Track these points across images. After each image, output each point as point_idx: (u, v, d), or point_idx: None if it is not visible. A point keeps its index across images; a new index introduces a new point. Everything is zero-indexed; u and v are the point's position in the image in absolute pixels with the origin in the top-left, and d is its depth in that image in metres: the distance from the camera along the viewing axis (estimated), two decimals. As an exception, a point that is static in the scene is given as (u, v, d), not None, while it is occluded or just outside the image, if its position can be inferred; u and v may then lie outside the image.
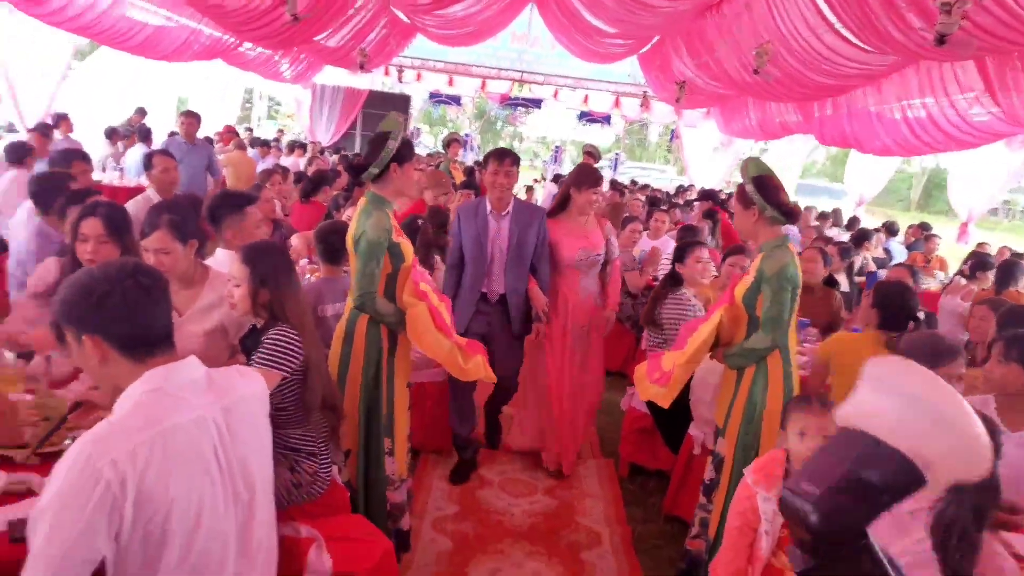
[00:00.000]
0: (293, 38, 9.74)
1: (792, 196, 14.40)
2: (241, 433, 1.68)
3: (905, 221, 13.15)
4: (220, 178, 7.93)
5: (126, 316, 1.57)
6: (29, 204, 3.87)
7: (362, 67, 12.08)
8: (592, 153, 8.94)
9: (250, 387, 1.78)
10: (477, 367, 3.20)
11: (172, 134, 9.88)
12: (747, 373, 3.00)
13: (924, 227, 10.11)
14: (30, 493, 1.81)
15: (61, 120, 8.31)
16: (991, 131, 7.79)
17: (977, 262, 6.06)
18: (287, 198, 6.89)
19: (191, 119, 7.69)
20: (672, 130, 18.03)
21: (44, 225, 3.70)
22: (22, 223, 3.86)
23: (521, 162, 4.11)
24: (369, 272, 2.96)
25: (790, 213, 2.93)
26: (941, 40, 4.32)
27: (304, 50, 12.83)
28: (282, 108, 24.39)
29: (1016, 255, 8.20)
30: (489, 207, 3.97)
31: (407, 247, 3.09)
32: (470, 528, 3.63)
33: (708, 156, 17.00)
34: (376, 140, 3.05)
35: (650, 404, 3.54)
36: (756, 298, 2.96)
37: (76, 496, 1.41)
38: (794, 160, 15.67)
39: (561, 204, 4.22)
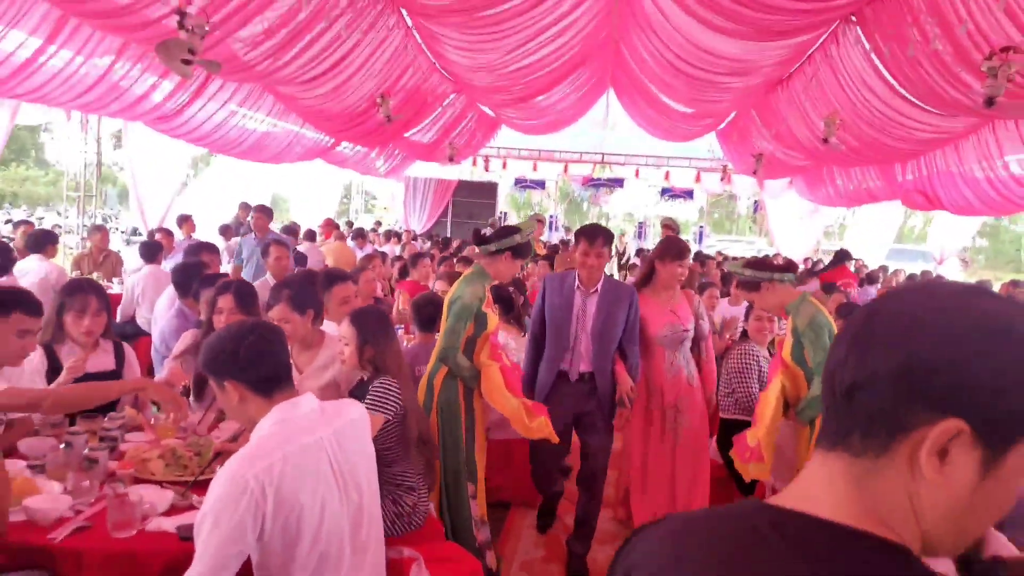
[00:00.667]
0: (386, 136, 10.62)
1: (884, 260, 14.23)
2: (349, 448, 2.07)
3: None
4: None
5: (254, 362, 2.01)
6: (171, 290, 4.52)
7: (451, 159, 12.87)
8: (671, 226, 9.27)
9: (353, 413, 2.18)
10: (541, 426, 3.42)
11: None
12: (818, 421, 3.23)
13: (1015, 283, 9.86)
14: (190, 508, 2.24)
15: (185, 221, 9.27)
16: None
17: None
18: (387, 279, 7.49)
19: (261, 214, 7.70)
20: (755, 202, 18.15)
21: (183, 307, 4.31)
22: (164, 307, 4.50)
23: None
24: (456, 330, 3.38)
25: (786, 268, 3.36)
26: (990, 102, 4.52)
27: (397, 146, 13.80)
28: (377, 201, 25.85)
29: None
30: (577, 282, 3.82)
31: (492, 318, 3.53)
32: (556, 570, 3.82)
33: (795, 225, 17.01)
34: (507, 229, 3.64)
35: (725, 458, 3.80)
36: (802, 352, 3.23)
37: (229, 503, 1.82)
38: (884, 225, 15.49)
39: (646, 278, 4.12)
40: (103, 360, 3.21)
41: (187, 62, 4.53)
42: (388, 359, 2.80)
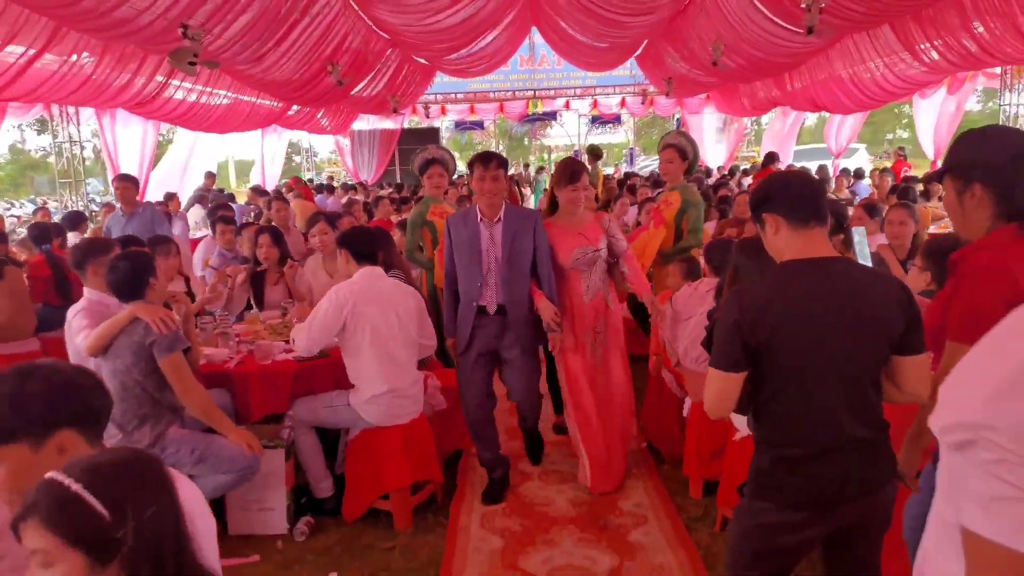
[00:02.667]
0: (336, 97, 11.77)
1: (792, 161, 15.91)
2: (402, 303, 3.56)
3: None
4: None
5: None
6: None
7: (395, 111, 14.00)
8: (593, 152, 10.73)
9: (410, 296, 3.68)
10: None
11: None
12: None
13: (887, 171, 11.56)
14: (291, 351, 3.72)
15: (171, 199, 10.34)
16: (917, 82, 9.38)
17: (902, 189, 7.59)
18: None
19: (125, 183, 6.59)
20: (678, 119, 19.65)
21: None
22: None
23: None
24: (410, 240, 4.87)
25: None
26: (810, 31, 6.01)
27: (345, 105, 14.90)
28: (318, 157, 26.76)
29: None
30: (480, 215, 3.76)
31: (441, 223, 4.62)
32: (517, 523, 3.65)
33: (714, 137, 18.58)
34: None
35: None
36: (682, 217, 4.82)
37: (330, 307, 3.30)
38: (790, 130, 17.13)
39: (551, 206, 4.09)
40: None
41: (192, 63, 5.75)
42: (394, 258, 4.24)
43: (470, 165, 3.91)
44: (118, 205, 6.64)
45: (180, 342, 3.04)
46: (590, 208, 4.43)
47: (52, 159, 11.38)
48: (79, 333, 3.19)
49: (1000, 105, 11.42)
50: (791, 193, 2.01)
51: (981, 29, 7.30)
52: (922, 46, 8.22)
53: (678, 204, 4.86)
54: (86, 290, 3.42)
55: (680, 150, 4.76)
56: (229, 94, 11.58)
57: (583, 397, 3.93)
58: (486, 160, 3.72)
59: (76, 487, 1.11)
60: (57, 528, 1.09)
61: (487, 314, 3.78)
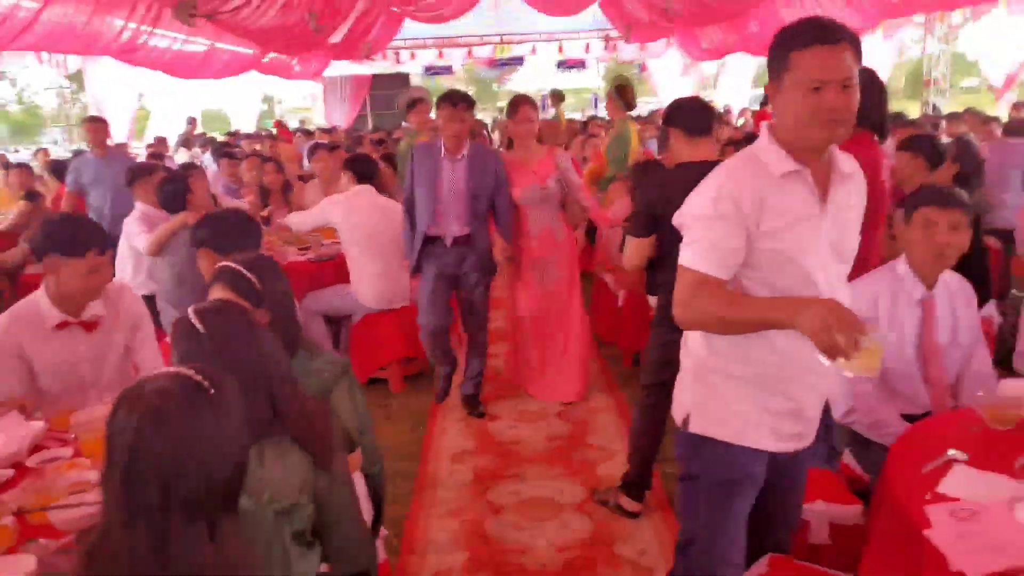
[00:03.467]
0: (314, 44, 12.36)
1: (747, 104, 16.75)
2: (387, 209, 4.40)
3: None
4: None
5: None
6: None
7: (368, 56, 14.57)
8: (555, 95, 11.50)
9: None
10: None
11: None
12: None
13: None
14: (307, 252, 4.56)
15: (161, 142, 10.97)
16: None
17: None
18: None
19: (97, 124, 6.24)
20: (640, 64, 20.36)
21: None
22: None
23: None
24: (403, 174, 5.12)
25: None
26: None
27: (321, 51, 15.42)
28: (281, 105, 27.06)
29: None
30: (443, 150, 3.97)
31: None
32: (488, 461, 3.76)
33: (676, 81, 19.31)
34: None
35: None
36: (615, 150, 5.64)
37: (325, 202, 4.28)
38: (744, 74, 17.98)
39: (508, 143, 4.39)
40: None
41: (192, 15, 6.33)
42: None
43: (438, 104, 4.03)
44: (87, 148, 6.34)
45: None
46: (548, 144, 4.63)
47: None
48: (137, 236, 4.02)
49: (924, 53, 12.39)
50: (684, 113, 2.94)
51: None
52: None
53: (608, 139, 5.80)
54: (137, 203, 4.24)
55: (618, 91, 5.54)
56: (205, 41, 12.13)
57: (521, 315, 4.37)
58: (454, 100, 3.90)
59: (240, 268, 1.97)
60: (234, 289, 1.96)
61: (443, 244, 4.01)
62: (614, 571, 2.85)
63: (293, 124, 18.90)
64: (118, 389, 1.37)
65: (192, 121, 14.15)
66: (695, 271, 1.74)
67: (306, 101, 23.43)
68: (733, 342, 1.81)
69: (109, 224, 4.64)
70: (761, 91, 21.13)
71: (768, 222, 1.73)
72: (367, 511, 2.12)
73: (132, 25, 9.20)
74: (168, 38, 10.31)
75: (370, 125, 19.83)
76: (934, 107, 11.82)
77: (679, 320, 1.81)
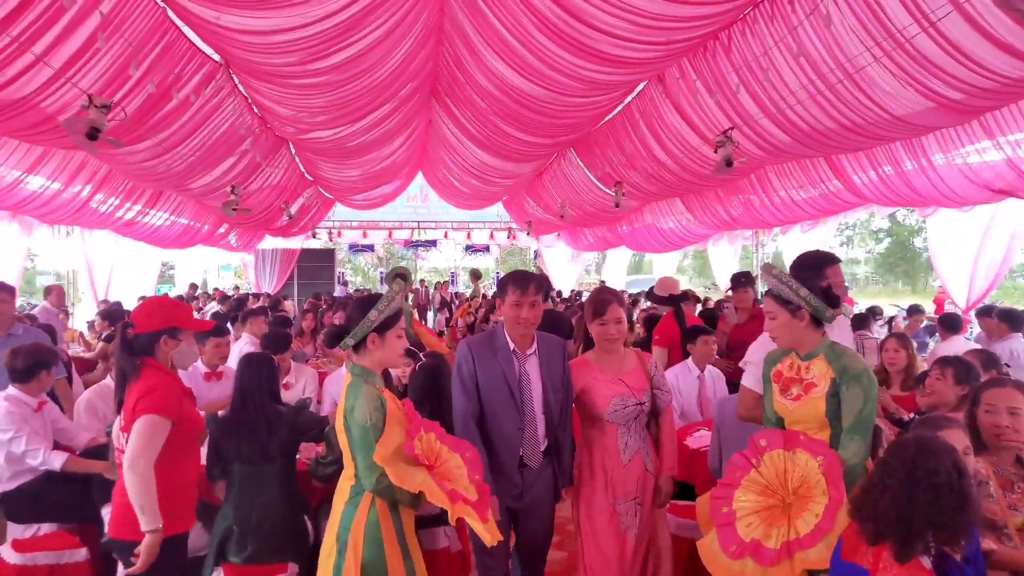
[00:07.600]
0: (284, 227, 14.85)
1: (624, 286, 20.20)
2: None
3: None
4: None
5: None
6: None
7: (313, 235, 17.05)
8: (475, 273, 14.23)
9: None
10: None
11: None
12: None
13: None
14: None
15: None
16: (698, 234, 13.72)
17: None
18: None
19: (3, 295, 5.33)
20: (535, 251, 23.93)
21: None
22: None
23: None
24: (369, 462, 2.53)
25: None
26: (617, 205, 9.80)
27: (261, 230, 17.85)
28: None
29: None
30: (511, 344, 3.17)
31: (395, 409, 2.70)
32: None
33: (564, 266, 22.79)
34: (361, 305, 2.73)
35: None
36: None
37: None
38: (622, 262, 21.61)
39: (587, 341, 3.63)
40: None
41: (92, 137, 5.44)
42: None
43: (502, 286, 3.24)
44: None
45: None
46: (628, 347, 3.57)
47: None
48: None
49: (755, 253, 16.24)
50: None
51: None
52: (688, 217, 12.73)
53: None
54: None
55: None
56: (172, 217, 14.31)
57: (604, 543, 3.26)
58: (524, 283, 3.12)
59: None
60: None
61: (530, 469, 3.16)
62: None
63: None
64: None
65: (193, 287, 16.06)
66: None
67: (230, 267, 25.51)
68: None
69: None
70: (637, 276, 25.25)
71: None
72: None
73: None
74: (162, 218, 12.53)
75: (295, 294, 21.94)
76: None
77: None
